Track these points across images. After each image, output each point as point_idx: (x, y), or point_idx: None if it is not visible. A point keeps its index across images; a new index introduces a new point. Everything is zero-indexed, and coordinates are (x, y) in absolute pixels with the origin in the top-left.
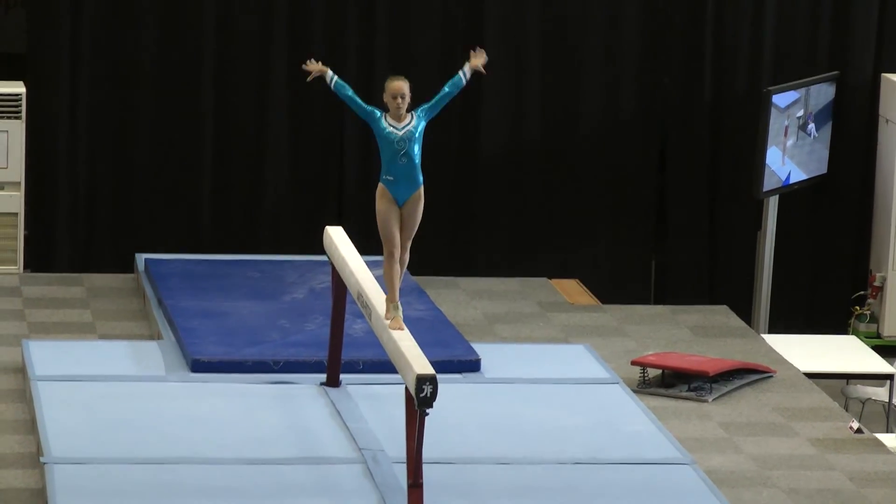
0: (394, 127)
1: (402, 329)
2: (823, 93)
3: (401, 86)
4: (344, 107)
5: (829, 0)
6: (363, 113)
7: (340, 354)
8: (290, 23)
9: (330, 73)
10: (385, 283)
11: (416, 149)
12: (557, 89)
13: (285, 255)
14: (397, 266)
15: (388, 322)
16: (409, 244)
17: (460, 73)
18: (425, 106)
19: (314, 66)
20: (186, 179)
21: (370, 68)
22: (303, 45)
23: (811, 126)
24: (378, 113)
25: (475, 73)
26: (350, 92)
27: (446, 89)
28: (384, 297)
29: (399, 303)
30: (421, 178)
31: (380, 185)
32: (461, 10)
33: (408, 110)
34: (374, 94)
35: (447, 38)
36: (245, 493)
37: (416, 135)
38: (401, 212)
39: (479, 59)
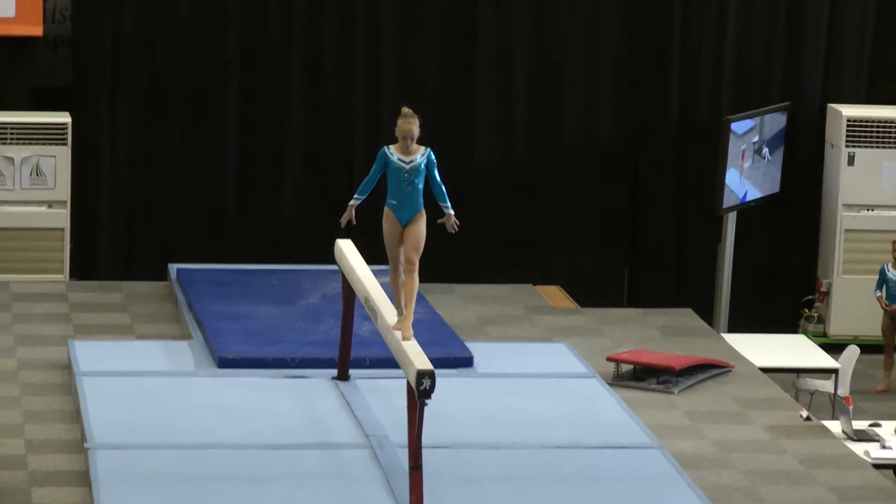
0: (402, 160)
1: (402, 329)
2: (776, 121)
3: (410, 129)
4: (353, 138)
5: (781, 38)
6: (379, 172)
7: (350, 352)
8: (306, 61)
9: (352, 202)
10: (392, 293)
11: (420, 180)
12: (541, 118)
13: (301, 264)
14: (401, 278)
15: (397, 328)
16: (416, 260)
17: (444, 202)
18: (434, 164)
19: (346, 216)
20: (214, 198)
21: (377, 86)
22: (317, 79)
23: (765, 150)
24: (384, 153)
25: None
26: (367, 182)
27: (439, 186)
28: (389, 302)
29: (403, 308)
30: (422, 204)
31: (385, 208)
32: (458, 39)
33: (419, 142)
34: (379, 114)
35: (444, 65)
36: (265, 475)
37: (421, 168)
38: (404, 231)
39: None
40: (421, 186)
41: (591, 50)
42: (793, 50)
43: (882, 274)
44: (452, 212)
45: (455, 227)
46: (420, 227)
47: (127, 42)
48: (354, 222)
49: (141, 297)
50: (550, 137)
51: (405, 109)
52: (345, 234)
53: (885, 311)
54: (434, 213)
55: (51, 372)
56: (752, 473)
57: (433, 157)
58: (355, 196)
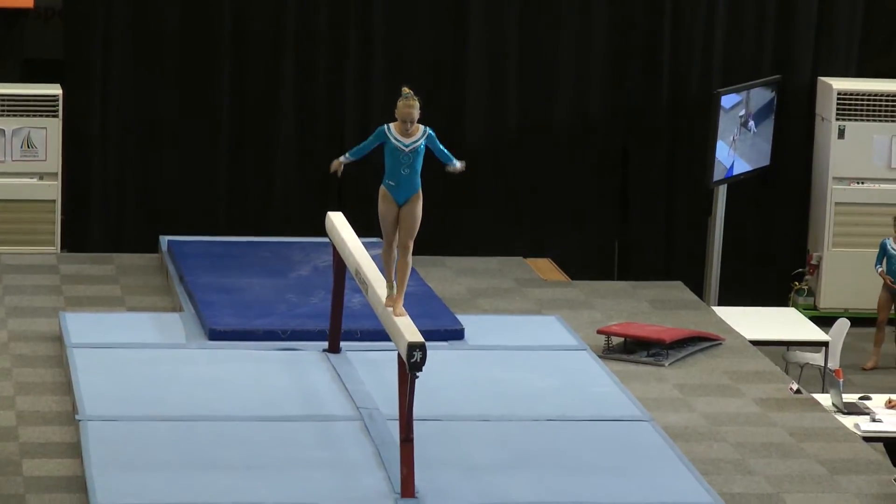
0: (400, 142)
1: (393, 306)
2: (763, 93)
3: (410, 112)
4: (344, 110)
5: (772, 13)
6: (373, 145)
7: (341, 324)
8: (298, 35)
9: (342, 159)
10: (384, 267)
11: (419, 162)
12: (533, 93)
13: (292, 237)
14: (394, 253)
15: (387, 304)
16: (411, 243)
17: (451, 162)
18: (434, 138)
19: (335, 166)
20: (205, 170)
21: (368, 60)
22: (309, 51)
23: (751, 122)
24: (383, 132)
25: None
26: (360, 148)
27: (443, 153)
28: (380, 274)
29: (394, 283)
30: (419, 184)
31: (382, 188)
32: (448, 22)
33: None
34: (370, 88)
35: (436, 39)
36: (256, 447)
37: (420, 149)
38: (400, 210)
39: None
40: (419, 168)
41: (582, 25)
42: (783, 23)
43: (883, 248)
44: (460, 163)
45: (462, 167)
46: (415, 210)
47: (118, 14)
48: (340, 175)
49: (132, 269)
50: (542, 111)
51: (406, 90)
52: (336, 207)
53: (891, 286)
54: (430, 195)
55: (42, 344)
56: (742, 446)
57: (432, 133)
58: (346, 154)
